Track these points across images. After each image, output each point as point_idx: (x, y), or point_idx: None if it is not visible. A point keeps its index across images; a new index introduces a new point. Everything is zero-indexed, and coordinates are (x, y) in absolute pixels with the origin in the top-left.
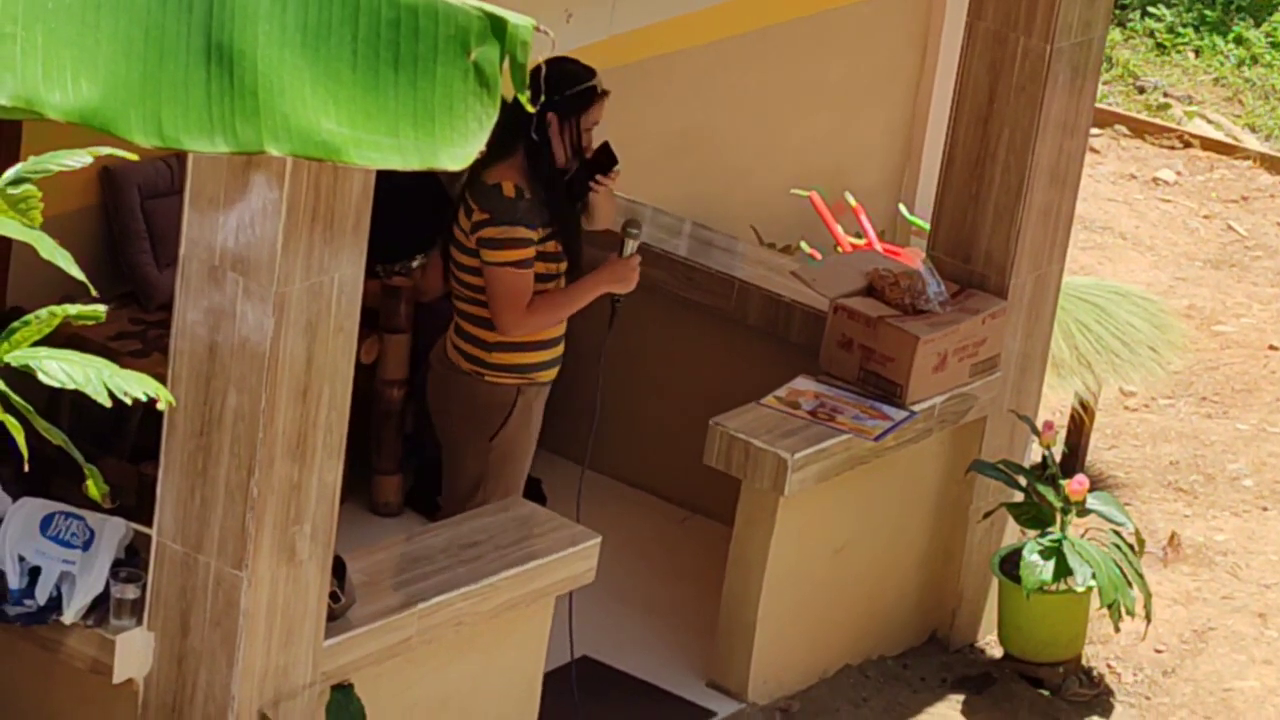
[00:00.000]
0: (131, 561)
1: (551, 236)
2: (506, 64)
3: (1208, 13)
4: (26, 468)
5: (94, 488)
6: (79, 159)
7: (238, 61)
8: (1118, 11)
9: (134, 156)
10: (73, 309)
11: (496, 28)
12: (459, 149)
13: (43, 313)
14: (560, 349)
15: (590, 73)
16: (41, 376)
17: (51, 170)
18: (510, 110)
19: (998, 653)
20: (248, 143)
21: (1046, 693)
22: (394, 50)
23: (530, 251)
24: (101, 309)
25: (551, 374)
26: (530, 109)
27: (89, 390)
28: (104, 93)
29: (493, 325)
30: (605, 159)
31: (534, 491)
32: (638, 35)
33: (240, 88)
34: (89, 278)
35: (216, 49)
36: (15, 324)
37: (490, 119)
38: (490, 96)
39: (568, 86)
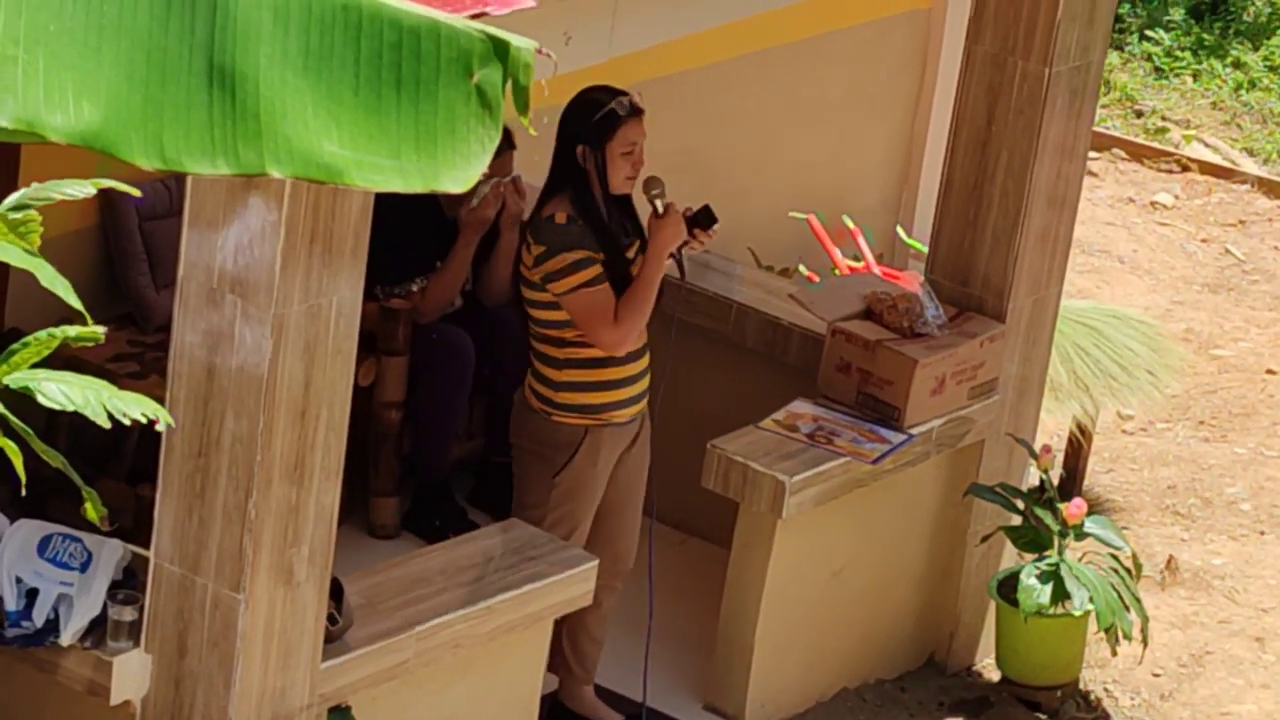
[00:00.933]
0: (129, 583)
1: (600, 264)
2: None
3: (1205, 37)
4: (24, 491)
5: (92, 510)
6: (82, 189)
7: (240, 84)
8: (1116, 35)
9: (137, 192)
10: (72, 331)
11: (499, 50)
12: (461, 171)
13: (42, 335)
14: (635, 388)
15: (613, 96)
16: (40, 398)
17: (54, 198)
18: (559, 148)
19: (995, 676)
20: (249, 165)
21: (1044, 716)
22: (396, 72)
23: (596, 270)
24: (101, 331)
25: (628, 413)
26: (533, 132)
27: (88, 412)
28: (105, 115)
29: (557, 364)
30: (705, 218)
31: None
32: (637, 57)
33: (242, 110)
34: (87, 299)
35: (219, 71)
36: (15, 346)
37: (493, 141)
38: (493, 119)
39: (591, 114)
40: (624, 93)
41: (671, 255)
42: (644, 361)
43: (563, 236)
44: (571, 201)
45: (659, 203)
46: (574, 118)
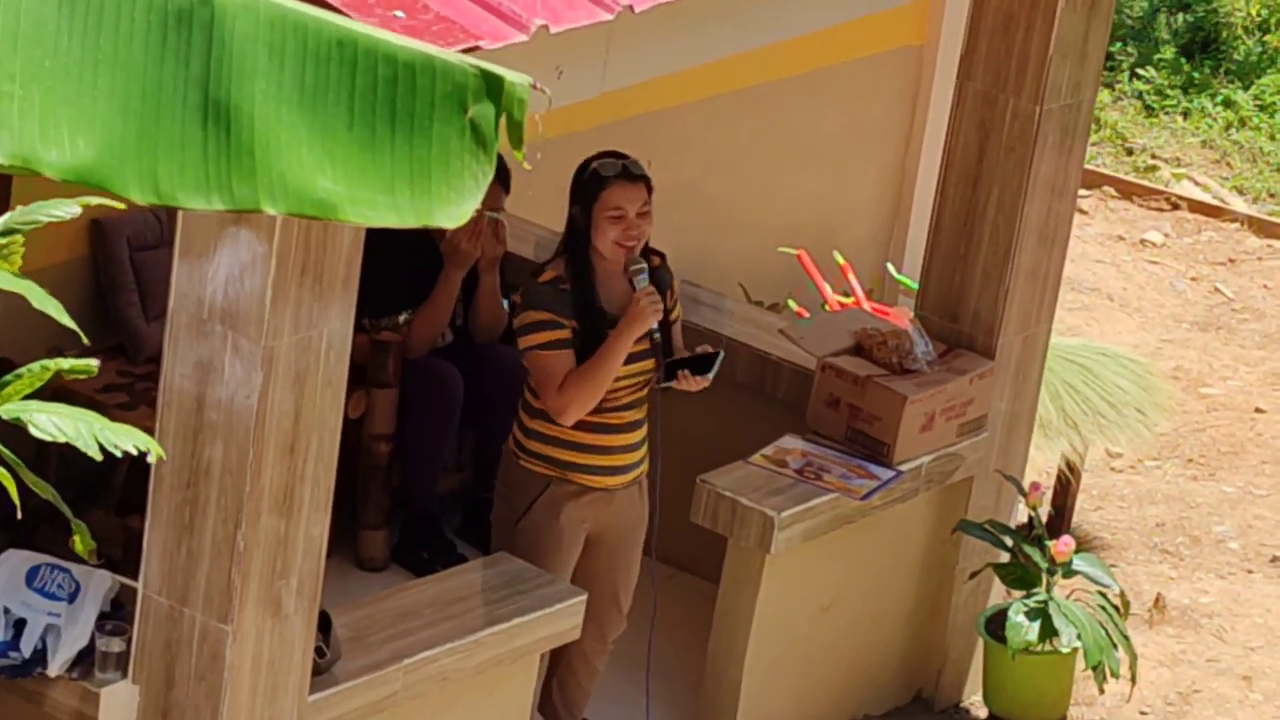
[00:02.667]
0: (117, 614)
1: (571, 330)
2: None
3: (1196, 75)
4: (20, 515)
5: (80, 543)
6: (68, 209)
7: (234, 119)
8: (1107, 73)
9: (121, 206)
10: (65, 363)
11: (493, 86)
12: (455, 207)
13: (35, 367)
14: (614, 459)
15: (608, 158)
16: (32, 430)
17: (41, 221)
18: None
19: (982, 713)
20: (244, 201)
21: None
22: (390, 108)
23: (556, 334)
24: (94, 363)
25: (603, 480)
26: (526, 167)
27: (79, 444)
28: (101, 150)
29: (531, 411)
30: (702, 365)
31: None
32: (629, 92)
33: (237, 146)
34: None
35: (214, 107)
36: (7, 378)
37: (486, 177)
38: (487, 154)
39: (581, 175)
40: (625, 157)
41: (650, 337)
42: (629, 437)
43: (535, 295)
44: (566, 266)
45: (640, 279)
46: (573, 180)
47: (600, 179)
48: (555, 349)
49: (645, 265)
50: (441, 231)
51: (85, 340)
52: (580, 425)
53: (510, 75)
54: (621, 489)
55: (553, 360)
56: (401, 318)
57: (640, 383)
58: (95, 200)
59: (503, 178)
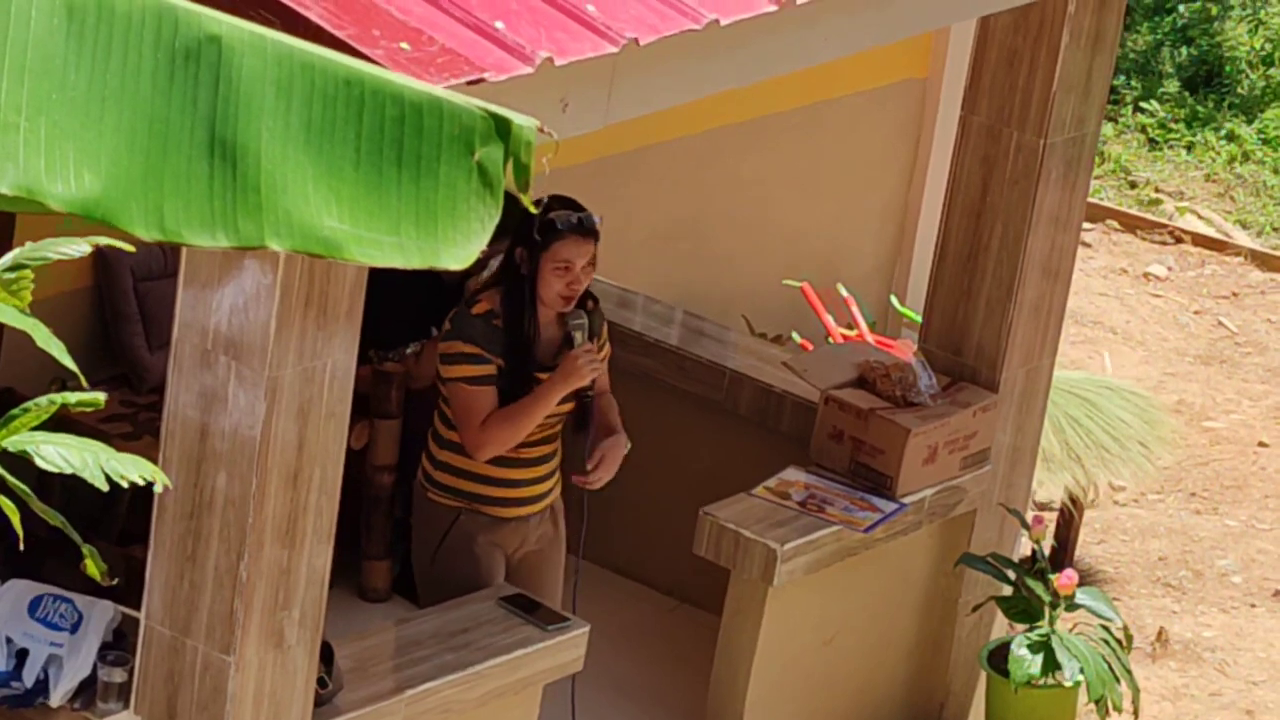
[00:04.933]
0: (119, 645)
1: (497, 367)
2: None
3: (1200, 109)
4: (22, 546)
5: (93, 566)
6: (78, 248)
7: (241, 157)
8: (1110, 107)
9: (130, 248)
10: (72, 397)
11: (500, 128)
12: (461, 249)
13: (42, 401)
14: (522, 490)
15: (568, 207)
16: (39, 461)
17: (50, 258)
18: (510, 244)
19: None
20: (249, 238)
21: None
22: (397, 148)
23: (483, 369)
24: (101, 397)
25: (511, 511)
26: (533, 210)
27: (86, 475)
28: (106, 185)
29: (441, 441)
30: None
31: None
32: (634, 124)
33: (243, 183)
34: (82, 360)
35: (220, 144)
36: (14, 411)
37: (493, 219)
38: (493, 197)
39: (535, 220)
40: (581, 209)
41: (579, 396)
42: (540, 470)
43: (465, 326)
44: (500, 300)
45: (578, 335)
46: (525, 219)
47: (555, 230)
48: (480, 384)
49: (585, 321)
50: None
51: (84, 384)
52: (490, 460)
53: (517, 118)
54: (532, 518)
55: (477, 396)
56: (409, 350)
57: (557, 422)
58: (105, 240)
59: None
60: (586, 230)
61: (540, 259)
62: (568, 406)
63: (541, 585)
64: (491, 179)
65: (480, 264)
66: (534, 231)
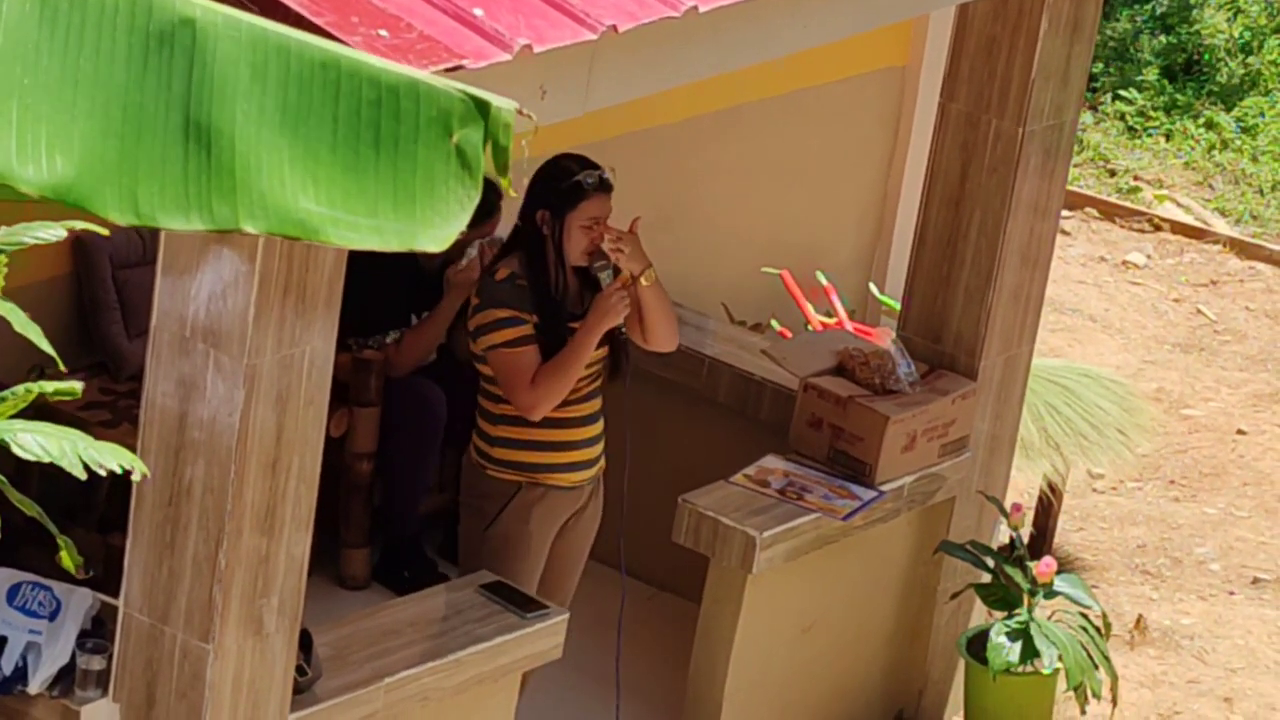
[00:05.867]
0: (98, 632)
1: (533, 326)
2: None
3: (1179, 97)
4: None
5: (68, 558)
6: (53, 232)
7: (215, 139)
8: (1089, 95)
9: (105, 231)
10: (50, 386)
11: (479, 110)
12: (439, 231)
13: (19, 390)
14: (578, 454)
15: (585, 167)
16: (16, 450)
17: (26, 242)
18: (524, 209)
19: None
20: (224, 221)
21: None
22: (375, 131)
23: (521, 330)
24: (78, 386)
25: (569, 478)
26: (512, 194)
27: (64, 463)
28: (79, 169)
29: (493, 418)
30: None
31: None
32: (613, 111)
33: (217, 165)
34: (59, 347)
35: (194, 127)
36: None
37: (472, 201)
38: (472, 179)
39: (559, 182)
40: (597, 166)
41: (614, 335)
42: (592, 429)
43: (495, 293)
44: (521, 262)
45: (604, 275)
46: (541, 182)
47: (582, 189)
48: (521, 345)
49: (610, 263)
50: (429, 254)
51: (62, 368)
52: (546, 423)
53: (496, 100)
54: (586, 485)
55: (520, 357)
56: (389, 338)
57: (597, 373)
58: (80, 224)
59: (496, 201)
60: (608, 186)
61: (567, 218)
62: (602, 352)
63: (567, 566)
64: (470, 161)
65: (459, 251)
66: (558, 193)
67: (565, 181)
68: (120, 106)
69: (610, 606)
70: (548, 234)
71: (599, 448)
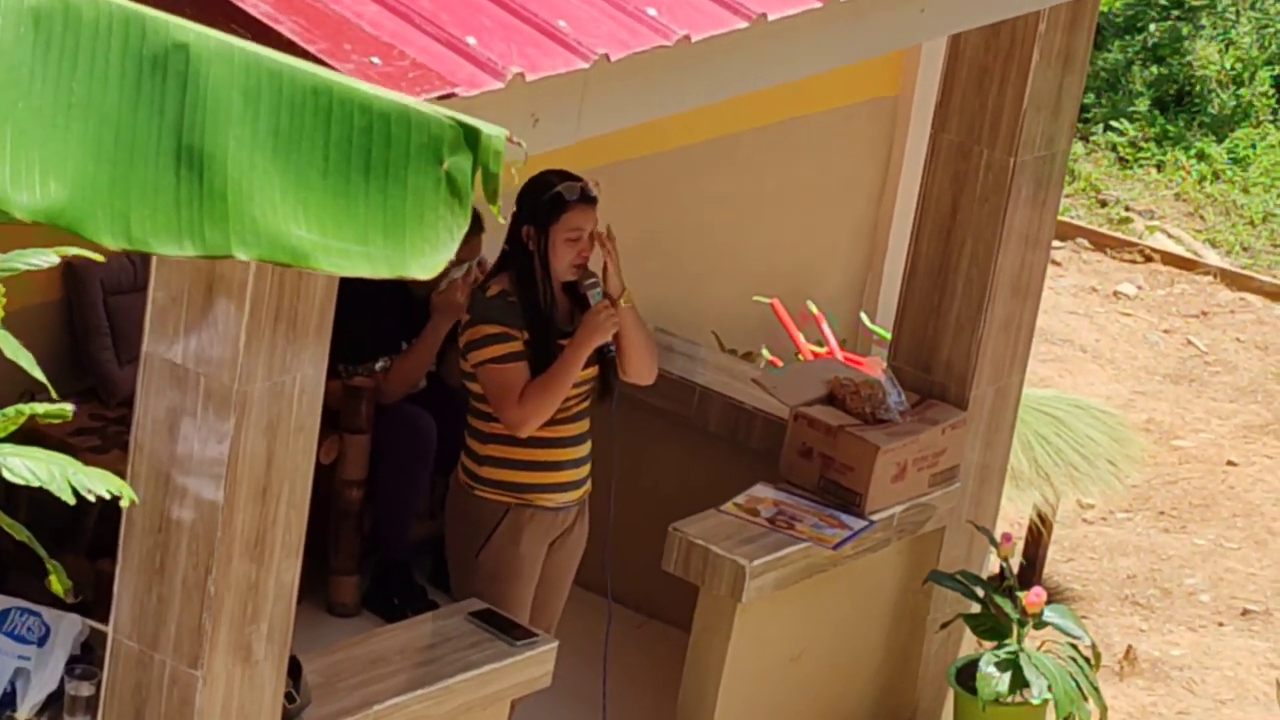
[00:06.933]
0: (87, 658)
1: (523, 343)
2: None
3: (1170, 128)
4: None
5: (57, 583)
6: (46, 258)
7: (208, 165)
8: (1081, 125)
9: (100, 258)
10: (40, 408)
11: (469, 138)
12: (429, 258)
13: (9, 411)
14: (567, 474)
15: (566, 180)
16: (5, 474)
17: (19, 269)
18: (511, 226)
19: None
20: (216, 247)
21: None
22: (365, 158)
23: (511, 346)
24: (69, 408)
25: (557, 499)
26: (500, 220)
27: (53, 488)
28: (72, 194)
29: (482, 437)
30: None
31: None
32: (605, 140)
33: (209, 192)
34: (50, 373)
35: (187, 152)
36: None
37: (461, 228)
38: (462, 206)
39: (540, 196)
40: (578, 179)
41: (603, 353)
42: (580, 450)
43: (486, 309)
44: (511, 280)
45: (594, 293)
46: (524, 198)
47: (563, 201)
48: (510, 361)
49: (599, 280)
50: (419, 281)
51: (54, 395)
52: (534, 442)
53: (486, 128)
54: (572, 506)
55: (509, 373)
56: (378, 365)
57: (586, 392)
58: (73, 250)
59: (476, 222)
60: (591, 198)
61: (550, 232)
62: (592, 371)
63: (554, 590)
64: (460, 188)
65: (441, 274)
66: (539, 206)
67: (546, 194)
68: (113, 131)
69: (598, 633)
70: (534, 249)
71: (586, 469)
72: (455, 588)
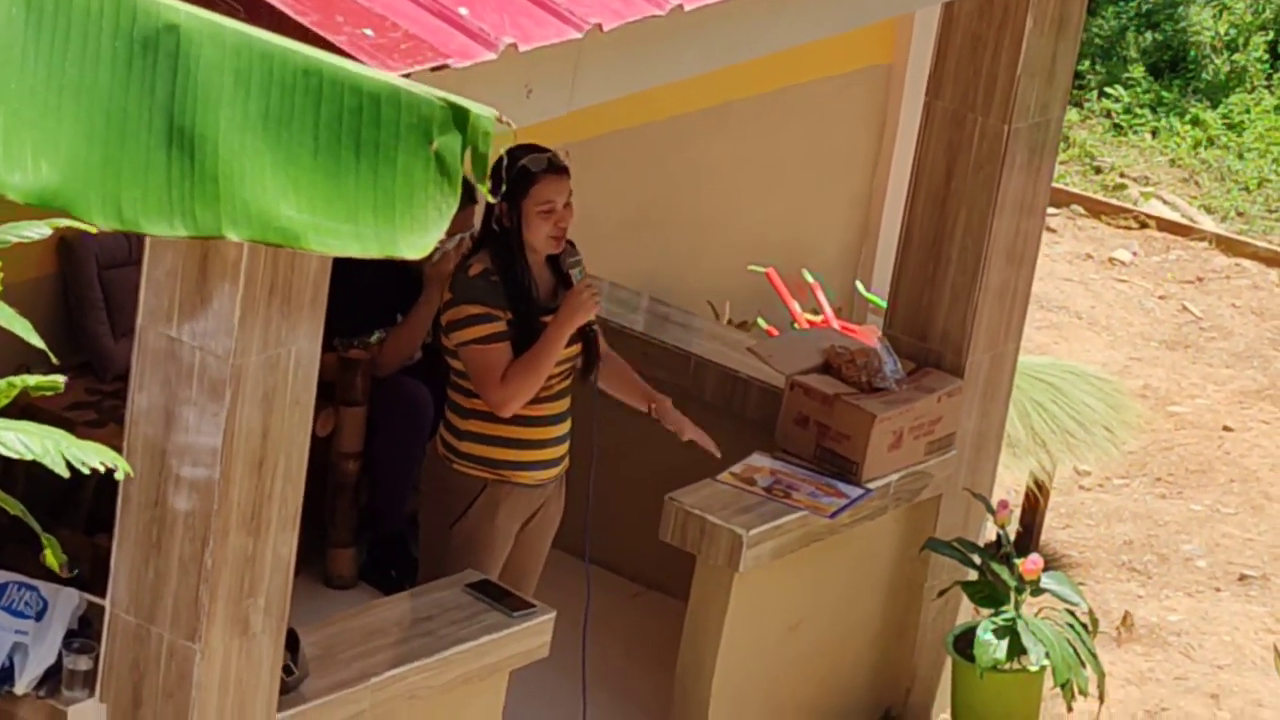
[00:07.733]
0: (84, 632)
1: (506, 322)
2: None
3: (1165, 94)
4: None
5: (52, 557)
6: (39, 231)
7: (199, 146)
8: (1075, 92)
9: (93, 229)
10: (32, 380)
11: (459, 118)
12: (418, 237)
13: (1, 384)
14: (545, 452)
15: (531, 152)
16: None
17: (10, 241)
18: (487, 204)
19: None
20: (206, 227)
21: None
22: (355, 138)
23: (494, 327)
24: (60, 380)
25: (534, 476)
26: (490, 199)
27: (47, 461)
28: (64, 174)
29: (463, 412)
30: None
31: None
32: (598, 110)
33: (200, 172)
34: (45, 347)
35: (178, 133)
36: None
37: (450, 208)
38: (451, 186)
39: (508, 171)
40: (545, 150)
41: (584, 332)
42: (559, 428)
43: (468, 289)
44: (491, 257)
45: (576, 271)
46: (492, 175)
47: (529, 174)
48: (493, 341)
49: (581, 258)
50: None
51: (54, 360)
52: (515, 420)
53: (475, 108)
54: (549, 484)
55: (492, 354)
56: (374, 337)
57: (567, 370)
58: (65, 222)
59: (469, 193)
60: (559, 168)
61: (522, 206)
62: (574, 349)
63: (529, 562)
64: (449, 168)
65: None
66: (510, 182)
67: (513, 169)
68: (104, 112)
69: (594, 604)
70: (509, 225)
71: (565, 447)
72: (423, 557)
